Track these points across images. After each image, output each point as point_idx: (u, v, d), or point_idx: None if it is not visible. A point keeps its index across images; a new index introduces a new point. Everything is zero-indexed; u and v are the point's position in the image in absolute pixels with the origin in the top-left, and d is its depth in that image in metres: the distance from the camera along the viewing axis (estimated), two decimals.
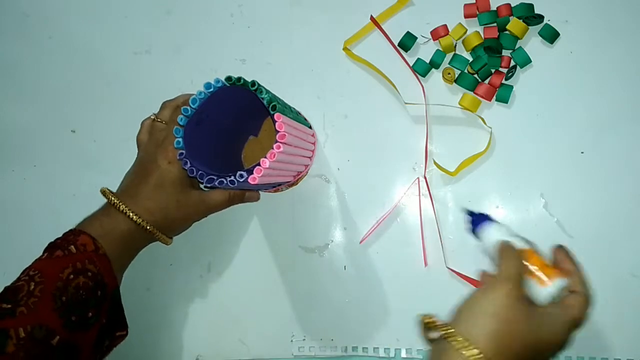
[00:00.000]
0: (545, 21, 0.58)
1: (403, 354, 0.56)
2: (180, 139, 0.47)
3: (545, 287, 0.41)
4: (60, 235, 0.48)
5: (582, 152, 0.56)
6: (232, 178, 0.45)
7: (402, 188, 0.58)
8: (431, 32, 0.59)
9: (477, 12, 0.59)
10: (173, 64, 0.64)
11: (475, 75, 0.58)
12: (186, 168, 0.47)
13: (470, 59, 0.58)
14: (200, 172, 0.46)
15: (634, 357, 0.53)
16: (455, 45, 0.59)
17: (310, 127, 0.57)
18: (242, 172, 0.44)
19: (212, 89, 0.47)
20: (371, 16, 0.60)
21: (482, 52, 0.58)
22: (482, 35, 0.58)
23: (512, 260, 0.41)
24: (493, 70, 0.58)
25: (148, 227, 0.49)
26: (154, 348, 0.59)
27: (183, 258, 0.60)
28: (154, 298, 0.60)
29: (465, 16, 0.59)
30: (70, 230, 0.48)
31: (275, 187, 0.58)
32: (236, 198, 0.55)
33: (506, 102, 0.57)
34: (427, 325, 0.40)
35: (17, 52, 0.67)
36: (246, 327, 0.58)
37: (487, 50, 0.57)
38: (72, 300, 0.44)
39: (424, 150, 0.58)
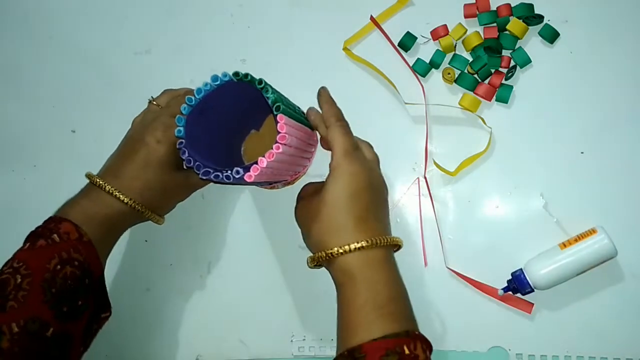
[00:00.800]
0: (545, 21, 0.58)
1: None
2: (181, 128, 0.47)
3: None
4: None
5: (582, 152, 0.56)
6: (228, 173, 0.45)
7: (402, 188, 0.58)
8: (431, 32, 0.59)
9: (477, 12, 0.59)
10: (173, 64, 0.64)
11: (475, 75, 0.58)
12: (184, 158, 0.47)
13: (470, 59, 0.58)
14: (197, 163, 0.46)
15: (632, 356, 0.53)
16: (455, 46, 0.59)
17: (312, 128, 0.57)
18: (238, 169, 0.44)
19: (218, 82, 0.47)
20: (371, 16, 0.60)
21: (482, 52, 0.58)
22: (482, 35, 0.58)
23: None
24: (493, 70, 0.58)
25: (138, 207, 0.49)
26: (153, 348, 0.59)
27: (183, 258, 0.60)
28: (154, 298, 0.60)
29: (465, 16, 0.59)
30: (51, 218, 0.47)
31: (271, 184, 0.58)
32: None
33: (506, 102, 0.57)
34: (314, 265, 0.47)
35: (18, 52, 0.67)
36: (246, 327, 0.58)
37: (487, 50, 0.57)
38: (62, 290, 0.43)
39: (424, 150, 0.58)
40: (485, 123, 0.57)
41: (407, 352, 0.39)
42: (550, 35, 0.57)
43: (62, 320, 0.43)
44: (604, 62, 0.57)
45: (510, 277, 0.54)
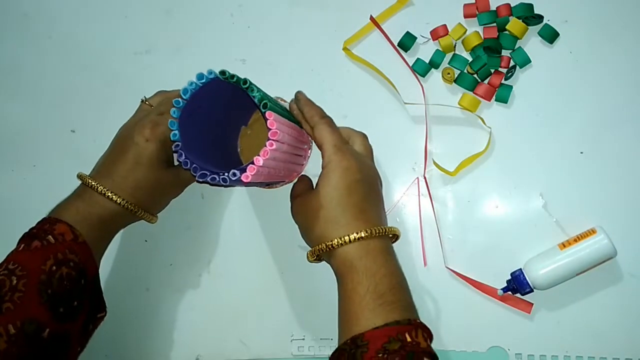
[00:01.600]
0: (544, 21, 0.58)
1: None
2: (176, 132, 0.47)
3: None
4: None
5: (581, 152, 0.56)
6: (225, 176, 0.45)
7: (401, 188, 0.58)
8: (431, 32, 0.59)
9: (477, 12, 0.59)
10: (173, 64, 0.64)
11: (475, 75, 0.58)
12: (180, 160, 0.47)
13: (470, 59, 0.58)
14: (194, 165, 0.46)
15: (632, 356, 0.53)
16: (455, 45, 0.59)
17: (302, 126, 0.57)
18: (235, 171, 0.44)
19: (204, 80, 0.47)
20: (371, 16, 0.60)
21: (481, 52, 0.58)
22: (482, 35, 0.58)
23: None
24: (492, 70, 0.58)
25: (130, 207, 0.50)
26: (153, 348, 0.59)
27: (183, 258, 0.61)
28: (154, 298, 0.60)
29: (465, 16, 0.59)
30: (45, 219, 0.47)
31: (268, 184, 0.58)
32: None
33: (506, 102, 0.57)
34: (314, 259, 0.49)
35: (17, 52, 0.67)
36: (246, 327, 0.58)
37: (487, 50, 0.57)
38: (58, 292, 0.43)
39: (424, 150, 0.58)
40: (484, 123, 0.57)
41: (408, 339, 0.40)
42: (550, 35, 0.57)
43: (58, 321, 0.43)
44: (604, 62, 0.57)
45: (509, 277, 0.54)
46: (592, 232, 0.52)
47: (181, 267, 0.60)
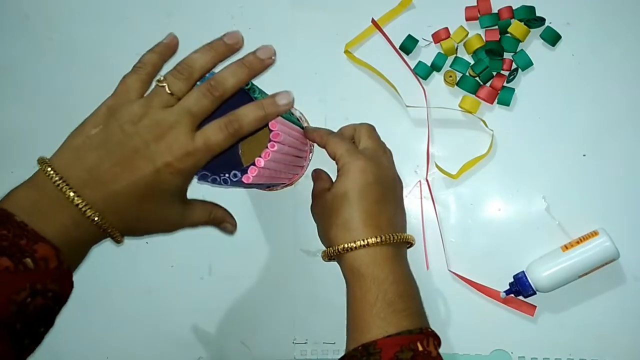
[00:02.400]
0: (546, 24, 0.58)
1: None
2: None
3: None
4: None
5: (584, 155, 0.56)
6: (226, 177, 0.45)
7: (404, 191, 0.58)
8: (432, 35, 0.59)
9: (479, 15, 0.59)
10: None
11: (477, 78, 0.58)
12: None
13: (472, 62, 0.58)
14: None
15: (635, 359, 0.53)
16: (457, 48, 0.59)
17: (302, 129, 0.57)
18: (236, 172, 0.44)
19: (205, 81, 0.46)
20: (372, 19, 0.60)
21: (483, 55, 0.58)
22: (484, 38, 0.58)
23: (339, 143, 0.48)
24: (494, 73, 0.58)
25: (120, 238, 0.40)
26: (155, 350, 0.59)
27: (184, 260, 0.60)
28: (155, 300, 0.60)
29: (467, 19, 0.59)
30: (22, 229, 0.35)
31: (269, 186, 0.58)
32: (215, 221, 0.47)
33: (508, 105, 0.57)
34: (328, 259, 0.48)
35: (18, 53, 0.67)
36: (248, 330, 0.58)
37: (489, 53, 0.57)
38: (27, 325, 0.35)
39: (426, 153, 0.58)
40: (486, 126, 0.57)
41: (420, 348, 0.40)
42: (552, 38, 0.57)
43: (21, 353, 0.36)
44: (606, 64, 0.57)
45: (512, 280, 0.54)
46: (594, 234, 0.52)
47: (182, 269, 0.60)
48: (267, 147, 0.44)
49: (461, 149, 0.58)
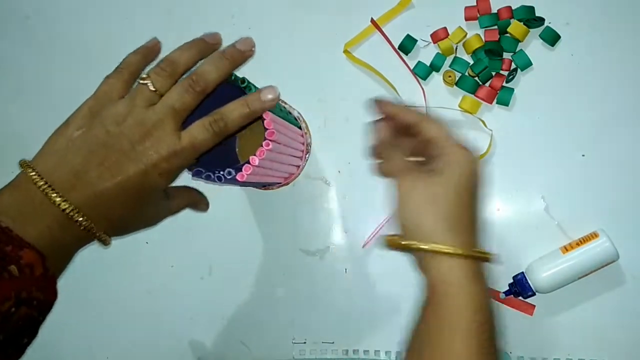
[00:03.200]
0: (546, 24, 0.58)
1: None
2: None
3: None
4: None
5: (583, 155, 0.56)
6: (220, 174, 0.45)
7: None
8: (431, 35, 0.59)
9: (478, 15, 0.59)
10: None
11: (476, 78, 0.58)
12: None
13: (471, 62, 0.58)
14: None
15: (635, 359, 0.53)
16: (456, 49, 0.59)
17: (300, 128, 0.57)
18: (230, 169, 0.44)
19: None
20: (372, 19, 0.60)
21: (482, 55, 0.58)
22: (483, 38, 0.58)
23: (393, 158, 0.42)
24: (494, 73, 0.58)
25: (107, 241, 0.38)
26: (154, 350, 0.59)
27: (184, 260, 0.60)
28: (155, 300, 0.60)
29: (466, 19, 0.59)
30: (7, 234, 0.34)
31: (265, 185, 0.58)
32: (191, 205, 0.47)
33: (507, 105, 0.57)
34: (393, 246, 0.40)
35: (18, 53, 0.67)
36: (247, 330, 0.58)
37: (488, 53, 0.57)
38: (11, 336, 0.33)
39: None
40: (485, 125, 0.57)
41: None
42: (551, 38, 0.57)
43: None
44: (605, 64, 0.57)
45: (511, 281, 0.54)
46: (594, 235, 0.52)
47: (182, 269, 0.60)
48: (262, 146, 0.44)
49: None
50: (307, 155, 0.59)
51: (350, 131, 0.60)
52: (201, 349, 0.59)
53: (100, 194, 0.36)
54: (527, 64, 0.57)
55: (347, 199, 0.59)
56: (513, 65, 0.57)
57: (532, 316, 0.54)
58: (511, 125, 0.57)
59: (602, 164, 0.56)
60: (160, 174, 0.37)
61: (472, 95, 0.58)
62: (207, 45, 0.42)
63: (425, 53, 0.60)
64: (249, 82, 0.46)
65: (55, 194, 0.35)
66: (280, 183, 0.58)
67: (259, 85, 0.49)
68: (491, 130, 0.57)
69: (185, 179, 0.51)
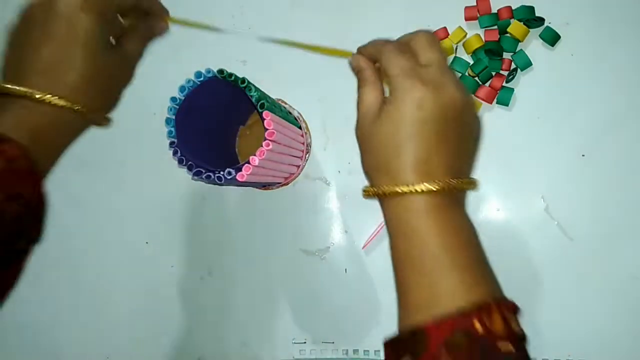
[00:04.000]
0: (546, 24, 0.58)
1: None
2: (172, 129, 0.47)
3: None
4: None
5: (583, 155, 0.56)
6: (220, 174, 0.45)
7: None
8: None
9: (478, 15, 0.59)
10: (173, 65, 0.64)
11: (476, 78, 0.58)
12: (176, 158, 0.46)
13: (471, 62, 0.58)
14: (189, 162, 0.46)
15: (633, 359, 0.53)
16: (456, 49, 0.59)
17: (300, 128, 0.57)
18: (230, 170, 0.44)
19: (202, 78, 0.47)
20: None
21: (482, 55, 0.58)
22: (483, 38, 0.58)
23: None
24: (494, 73, 0.58)
25: (82, 110, 0.38)
26: (155, 350, 0.59)
27: (184, 260, 0.60)
28: (155, 299, 0.60)
29: (466, 19, 0.59)
30: None
31: (265, 185, 0.58)
32: (153, 34, 0.46)
33: (507, 105, 0.57)
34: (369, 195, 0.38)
35: None
36: (247, 329, 0.58)
37: (488, 52, 0.57)
38: (3, 236, 0.33)
39: None
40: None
41: (479, 330, 0.32)
42: (551, 38, 0.57)
43: (3, 269, 0.34)
44: (605, 64, 0.57)
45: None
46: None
47: (182, 269, 0.60)
48: (262, 146, 0.44)
49: None
50: (307, 155, 0.59)
51: (350, 131, 0.60)
52: (201, 349, 0.59)
53: (45, 61, 0.36)
54: (527, 64, 0.57)
55: (347, 199, 0.59)
56: (513, 65, 0.58)
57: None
58: (511, 125, 0.57)
59: (602, 164, 0.56)
60: (84, 11, 0.37)
61: (472, 95, 0.58)
62: None
63: None
64: (249, 82, 0.46)
65: (9, 84, 0.36)
66: (280, 183, 0.58)
67: (259, 86, 0.49)
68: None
69: (185, 179, 0.52)
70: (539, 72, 0.58)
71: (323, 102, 0.61)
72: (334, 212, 0.59)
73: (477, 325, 0.32)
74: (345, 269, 0.58)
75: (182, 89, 0.47)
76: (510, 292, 0.55)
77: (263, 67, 0.63)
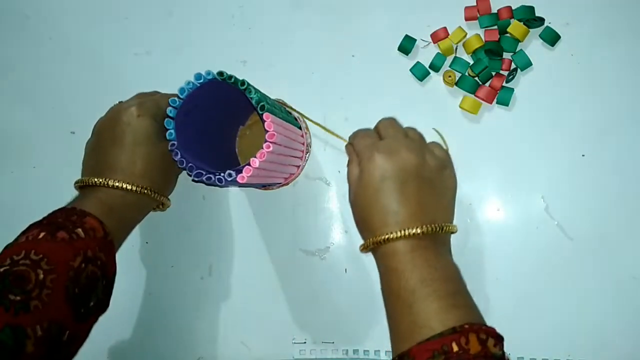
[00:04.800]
0: (546, 24, 0.58)
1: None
2: (172, 131, 0.47)
3: None
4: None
5: (582, 155, 0.56)
6: (220, 176, 0.45)
7: None
8: (431, 35, 0.59)
9: (478, 15, 0.59)
10: (173, 65, 0.64)
11: (476, 78, 0.58)
12: (176, 159, 0.46)
13: (471, 62, 0.58)
14: (190, 164, 0.46)
15: (633, 359, 0.53)
16: (456, 49, 0.59)
17: (300, 128, 0.57)
18: (231, 172, 0.44)
19: (202, 80, 0.47)
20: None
21: (482, 55, 0.58)
22: (483, 38, 0.58)
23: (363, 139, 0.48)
24: (494, 73, 0.58)
25: (149, 192, 0.48)
26: (155, 350, 0.59)
27: (184, 260, 0.60)
28: (155, 300, 0.60)
29: (466, 19, 0.59)
30: (70, 209, 0.44)
31: (265, 185, 0.58)
32: None
33: (507, 105, 0.57)
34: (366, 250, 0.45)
35: (18, 53, 0.67)
36: (247, 330, 0.58)
37: (488, 52, 0.57)
38: (83, 291, 0.40)
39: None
40: (445, 142, 0.55)
41: (455, 349, 0.36)
42: (551, 38, 0.57)
43: (77, 322, 0.40)
44: (605, 64, 0.57)
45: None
46: None
47: (182, 269, 0.60)
48: (262, 148, 0.44)
49: (460, 148, 0.58)
50: (307, 155, 0.59)
51: (350, 131, 0.60)
52: (201, 349, 0.59)
53: (115, 157, 0.48)
54: (527, 64, 0.57)
55: (347, 199, 0.59)
56: (513, 65, 0.58)
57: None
58: (511, 125, 0.58)
59: (602, 164, 0.56)
60: (140, 116, 0.48)
61: (472, 95, 0.58)
62: None
63: (425, 53, 0.60)
64: (248, 84, 0.46)
65: (95, 178, 0.47)
66: (280, 183, 0.58)
67: (259, 86, 0.49)
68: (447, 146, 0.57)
69: (185, 179, 0.52)
70: (539, 72, 0.58)
71: (322, 102, 0.61)
72: (334, 212, 0.59)
73: (455, 347, 0.36)
74: (345, 269, 0.58)
75: (182, 90, 0.47)
76: (510, 292, 0.55)
77: (263, 67, 0.63)
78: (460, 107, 0.58)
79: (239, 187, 0.57)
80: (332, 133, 0.52)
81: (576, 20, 0.58)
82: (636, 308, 0.54)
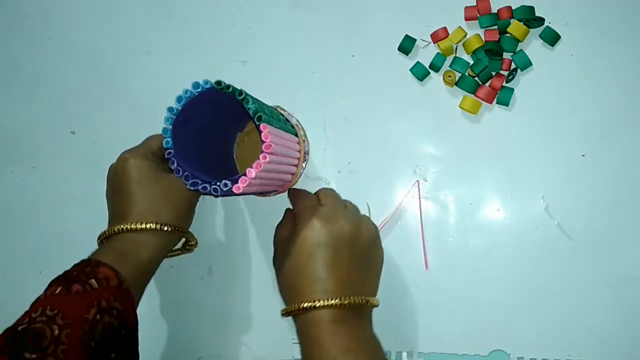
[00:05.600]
0: (546, 24, 0.58)
1: (404, 357, 0.56)
2: (169, 139, 0.47)
3: None
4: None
5: (583, 155, 0.56)
6: (216, 186, 0.44)
7: (402, 190, 0.58)
8: (431, 35, 0.59)
9: (478, 15, 0.59)
10: (173, 65, 0.64)
11: (476, 78, 0.58)
12: (173, 168, 0.46)
13: (471, 62, 0.58)
14: (186, 173, 0.46)
15: (633, 359, 0.53)
16: (456, 49, 0.59)
17: (296, 135, 0.56)
18: (226, 182, 0.44)
19: (199, 89, 0.46)
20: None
21: (482, 55, 0.58)
22: (483, 38, 0.58)
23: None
24: (494, 73, 0.58)
25: (154, 227, 0.46)
26: (155, 350, 0.59)
27: (184, 260, 0.60)
28: (155, 300, 0.60)
29: (466, 19, 0.59)
30: (84, 261, 0.43)
31: (261, 193, 0.58)
32: None
33: (507, 105, 0.57)
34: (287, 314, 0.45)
35: (18, 53, 0.67)
36: (247, 330, 0.58)
37: (488, 52, 0.57)
38: (99, 343, 0.39)
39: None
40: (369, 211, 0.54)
41: None
42: (551, 38, 0.57)
43: None
44: (605, 64, 0.57)
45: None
46: None
47: (182, 269, 0.60)
48: (259, 158, 0.44)
49: (460, 149, 0.58)
50: (304, 164, 0.58)
51: (350, 131, 0.60)
52: (201, 349, 0.59)
53: (118, 204, 0.48)
54: (527, 64, 0.57)
55: (349, 192, 0.59)
56: (513, 65, 0.58)
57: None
58: (511, 126, 0.58)
59: (602, 164, 0.56)
60: (131, 158, 0.48)
61: (472, 95, 0.58)
62: None
63: (425, 53, 0.60)
64: (246, 94, 0.46)
65: (106, 230, 0.47)
66: (277, 191, 0.58)
67: (258, 89, 0.49)
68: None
69: None
70: (539, 72, 0.58)
71: (322, 102, 0.61)
72: None
73: None
74: None
75: (179, 99, 0.46)
76: (510, 291, 0.55)
77: (263, 68, 0.63)
78: (460, 107, 0.58)
79: (236, 195, 0.57)
80: None
81: (576, 20, 0.58)
82: (636, 308, 0.54)
